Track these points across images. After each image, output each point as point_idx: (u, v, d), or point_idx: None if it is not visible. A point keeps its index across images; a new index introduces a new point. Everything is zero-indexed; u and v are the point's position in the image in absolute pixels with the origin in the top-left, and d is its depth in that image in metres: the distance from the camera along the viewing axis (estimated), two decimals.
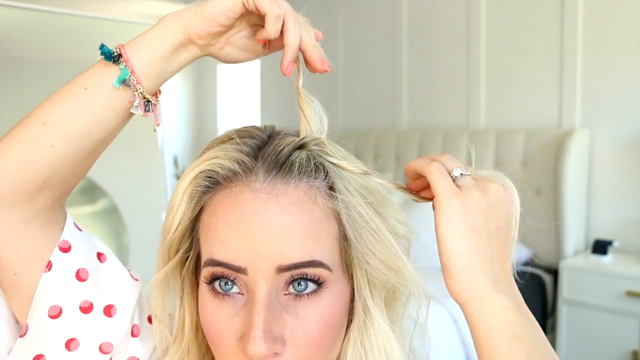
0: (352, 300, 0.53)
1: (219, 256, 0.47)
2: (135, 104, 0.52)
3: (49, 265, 0.52)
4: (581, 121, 2.47)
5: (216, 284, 0.49)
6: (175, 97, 4.84)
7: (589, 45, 2.42)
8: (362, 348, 0.52)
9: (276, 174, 0.48)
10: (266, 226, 0.46)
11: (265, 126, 0.54)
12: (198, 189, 0.50)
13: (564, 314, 2.24)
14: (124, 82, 0.51)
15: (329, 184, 0.50)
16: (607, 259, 2.20)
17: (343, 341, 0.53)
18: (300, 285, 0.48)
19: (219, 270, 0.48)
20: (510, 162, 2.55)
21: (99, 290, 0.55)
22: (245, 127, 0.54)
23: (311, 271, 0.47)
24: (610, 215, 2.41)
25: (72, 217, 0.57)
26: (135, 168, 2.25)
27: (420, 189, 0.53)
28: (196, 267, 0.55)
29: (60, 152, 0.50)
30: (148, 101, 0.53)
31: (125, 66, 0.51)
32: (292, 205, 0.47)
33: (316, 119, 0.52)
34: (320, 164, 0.50)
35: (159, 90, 0.55)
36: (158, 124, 0.56)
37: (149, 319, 0.59)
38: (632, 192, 2.33)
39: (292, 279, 0.47)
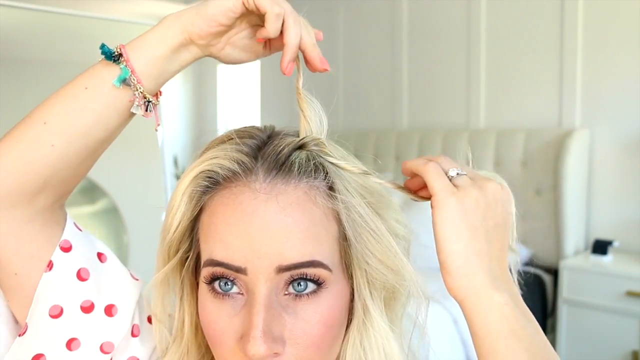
0: (352, 300, 0.53)
1: (219, 256, 0.48)
2: (136, 103, 0.52)
3: (50, 265, 0.53)
4: (581, 121, 2.47)
5: (216, 284, 0.49)
6: (175, 97, 4.84)
7: (589, 45, 2.42)
8: (362, 348, 0.52)
9: (276, 174, 0.48)
10: (266, 226, 0.46)
11: (265, 126, 0.54)
12: (198, 189, 0.50)
13: (564, 314, 2.24)
14: (124, 81, 0.51)
15: (329, 184, 0.50)
16: (607, 259, 2.20)
17: (342, 341, 0.53)
18: (300, 285, 0.48)
19: (218, 270, 0.48)
20: (510, 162, 2.55)
21: (99, 290, 0.56)
22: (245, 127, 0.54)
23: (311, 271, 0.47)
24: (610, 215, 2.41)
25: (72, 217, 0.57)
26: (135, 168, 2.25)
27: (418, 188, 0.53)
28: (196, 267, 0.55)
29: (60, 152, 0.50)
30: (149, 101, 0.53)
31: (126, 66, 0.51)
32: (291, 206, 0.47)
33: (316, 119, 0.52)
34: (320, 164, 0.50)
35: (160, 91, 0.55)
36: (159, 124, 0.56)
37: (149, 319, 0.59)
38: (632, 192, 2.33)
39: (291, 279, 0.47)
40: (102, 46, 0.51)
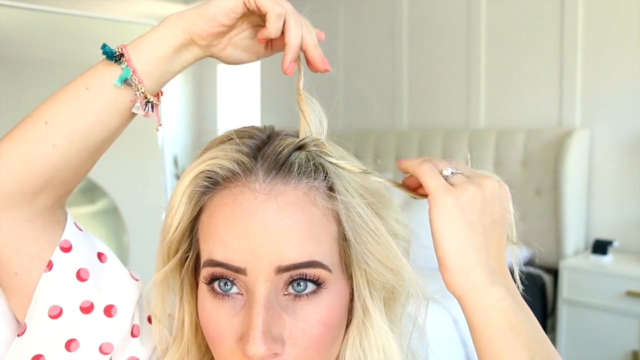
0: (352, 300, 0.53)
1: (219, 257, 0.48)
2: (137, 104, 0.52)
3: (50, 265, 0.52)
4: (581, 121, 2.47)
5: (215, 284, 0.49)
6: (175, 97, 4.84)
7: (589, 45, 2.42)
8: (361, 348, 0.52)
9: (275, 174, 0.48)
10: (265, 227, 0.46)
11: (264, 126, 0.54)
12: (197, 189, 0.50)
13: (564, 314, 2.24)
14: (125, 81, 0.51)
15: (329, 185, 0.50)
16: (607, 259, 2.20)
17: (342, 341, 0.53)
18: (300, 285, 0.48)
19: (218, 270, 0.48)
20: (510, 162, 2.55)
21: (99, 291, 0.55)
22: (245, 127, 0.54)
23: (310, 272, 0.47)
24: (610, 215, 2.41)
25: (72, 217, 0.57)
26: (135, 168, 2.25)
27: (417, 185, 0.53)
28: (196, 267, 0.55)
29: (61, 152, 0.50)
30: (150, 101, 0.53)
31: (127, 66, 0.51)
32: (291, 206, 0.47)
33: (316, 120, 0.52)
34: (320, 164, 0.50)
35: (161, 92, 0.55)
36: (160, 125, 0.56)
37: (149, 319, 0.59)
38: (632, 192, 2.33)
39: (291, 280, 0.48)
40: (104, 46, 0.51)
